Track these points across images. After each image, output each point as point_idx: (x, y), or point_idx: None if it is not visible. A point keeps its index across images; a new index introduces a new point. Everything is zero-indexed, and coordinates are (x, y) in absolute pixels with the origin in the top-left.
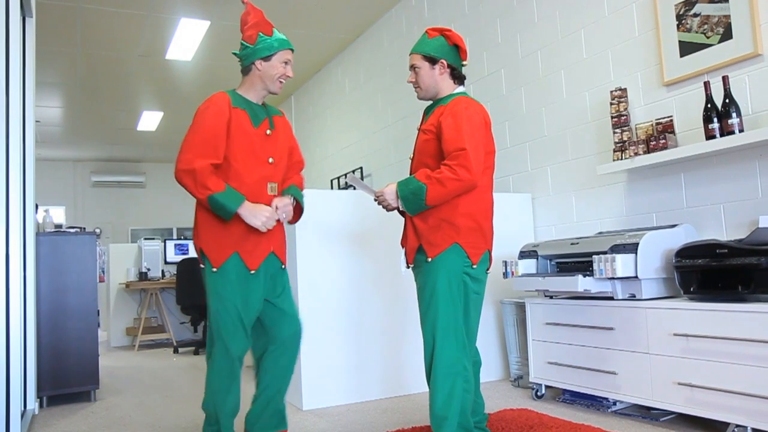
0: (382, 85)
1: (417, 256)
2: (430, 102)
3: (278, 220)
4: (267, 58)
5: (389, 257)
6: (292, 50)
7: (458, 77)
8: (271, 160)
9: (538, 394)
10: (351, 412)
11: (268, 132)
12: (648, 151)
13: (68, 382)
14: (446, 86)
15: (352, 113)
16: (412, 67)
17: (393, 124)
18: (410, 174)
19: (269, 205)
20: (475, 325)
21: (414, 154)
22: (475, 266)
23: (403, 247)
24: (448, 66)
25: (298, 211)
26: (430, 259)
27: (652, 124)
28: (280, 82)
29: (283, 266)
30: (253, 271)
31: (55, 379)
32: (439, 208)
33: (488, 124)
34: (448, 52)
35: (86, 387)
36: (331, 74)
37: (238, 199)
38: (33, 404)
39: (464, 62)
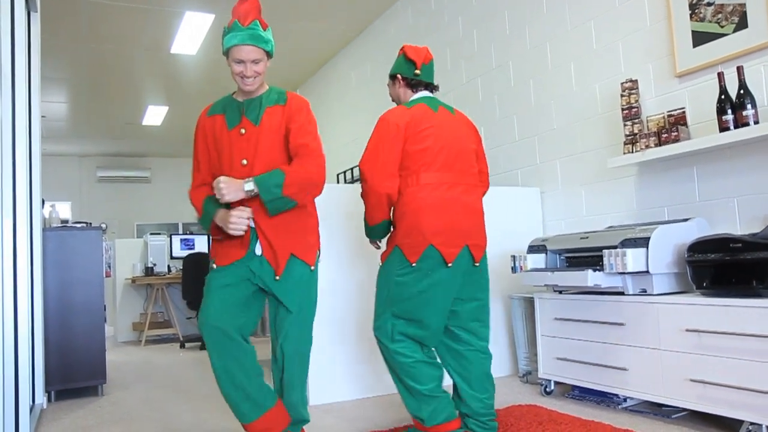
0: (387, 79)
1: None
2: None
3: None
4: (226, 56)
5: None
6: (253, 45)
7: (415, 85)
8: (244, 162)
9: (547, 390)
10: (358, 408)
11: (242, 132)
12: (659, 143)
13: (76, 376)
14: (406, 95)
15: (359, 107)
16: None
17: None
18: None
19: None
20: (438, 317)
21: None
22: (414, 264)
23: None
24: (403, 78)
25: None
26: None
27: (663, 117)
28: (244, 82)
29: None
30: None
31: (62, 373)
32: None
33: (415, 125)
34: (402, 66)
35: (93, 382)
36: (338, 67)
37: (207, 215)
38: (41, 398)
39: (417, 72)
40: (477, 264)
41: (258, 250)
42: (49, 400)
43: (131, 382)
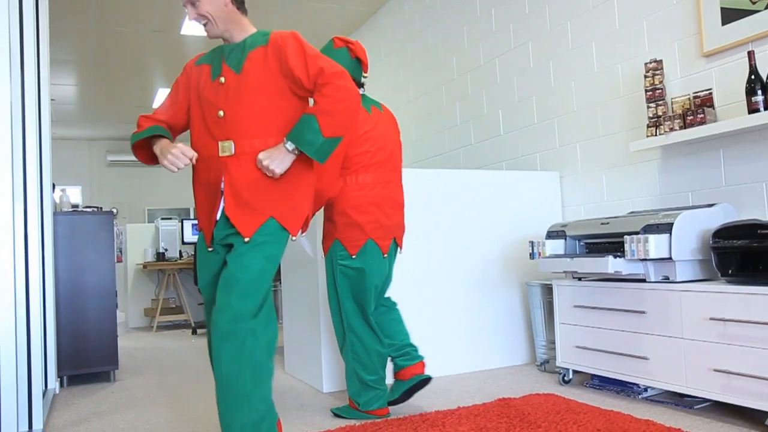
0: (403, 59)
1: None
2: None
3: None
4: None
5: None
6: None
7: (359, 86)
8: (220, 113)
9: (566, 379)
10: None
11: (222, 81)
12: (684, 126)
13: (88, 362)
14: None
15: (373, 89)
16: None
17: (415, 100)
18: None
19: (221, 175)
20: (367, 298)
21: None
22: (354, 256)
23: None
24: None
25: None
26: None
27: (689, 98)
28: (205, 29)
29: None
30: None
31: (74, 359)
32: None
33: (355, 130)
34: (352, 67)
35: (106, 367)
36: None
37: (147, 132)
38: (54, 384)
39: (365, 75)
40: (401, 250)
41: (220, 209)
42: (61, 385)
43: (143, 368)
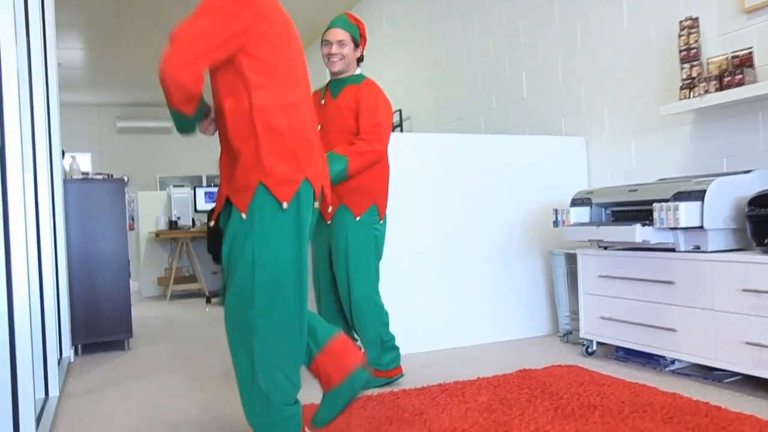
0: (420, 21)
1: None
2: (335, 78)
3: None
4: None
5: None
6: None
7: (360, 61)
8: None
9: (589, 350)
10: None
11: (322, 102)
12: (721, 88)
13: (102, 330)
14: (354, 67)
15: (389, 52)
16: (340, 42)
17: (432, 64)
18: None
19: None
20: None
21: (326, 125)
22: (382, 221)
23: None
24: (358, 51)
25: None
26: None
27: (727, 58)
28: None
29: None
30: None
31: (88, 327)
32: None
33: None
34: (360, 40)
35: (120, 336)
36: (367, 9)
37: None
38: (68, 352)
39: (363, 52)
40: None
41: None
42: (76, 353)
43: (157, 337)
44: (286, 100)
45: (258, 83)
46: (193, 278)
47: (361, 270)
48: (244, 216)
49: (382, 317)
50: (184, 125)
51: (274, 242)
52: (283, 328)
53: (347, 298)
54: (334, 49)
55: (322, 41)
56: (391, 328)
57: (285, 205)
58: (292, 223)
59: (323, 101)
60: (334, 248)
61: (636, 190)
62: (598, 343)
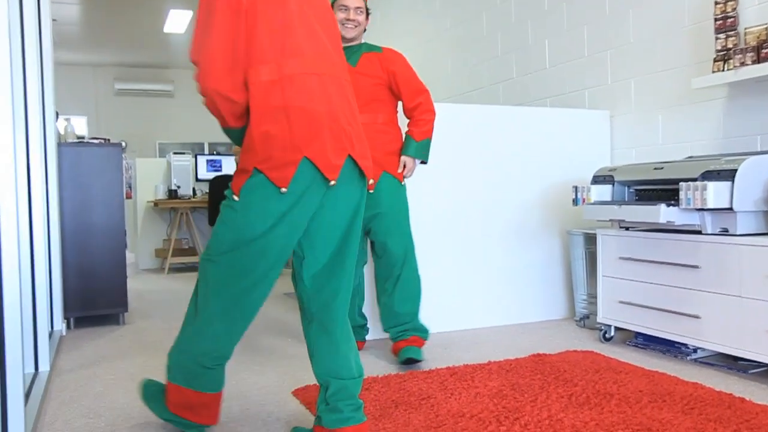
0: None
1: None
2: (346, 45)
3: None
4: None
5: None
6: None
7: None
8: None
9: (607, 336)
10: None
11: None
12: (758, 60)
13: (96, 304)
14: (362, 36)
15: (407, 17)
16: (357, 9)
17: (452, 29)
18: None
19: None
20: None
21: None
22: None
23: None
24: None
25: None
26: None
27: (766, 28)
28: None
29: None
30: None
31: (82, 300)
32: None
33: None
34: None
35: (115, 310)
36: None
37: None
38: (60, 325)
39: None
40: None
41: None
42: (68, 327)
43: (154, 312)
44: (283, 73)
45: (254, 59)
46: (192, 251)
47: (411, 237)
48: (236, 198)
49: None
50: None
51: (259, 222)
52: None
53: (395, 270)
54: (352, 15)
55: (336, 5)
56: None
57: (283, 190)
58: (287, 208)
59: None
60: (382, 218)
61: (662, 168)
62: (617, 329)
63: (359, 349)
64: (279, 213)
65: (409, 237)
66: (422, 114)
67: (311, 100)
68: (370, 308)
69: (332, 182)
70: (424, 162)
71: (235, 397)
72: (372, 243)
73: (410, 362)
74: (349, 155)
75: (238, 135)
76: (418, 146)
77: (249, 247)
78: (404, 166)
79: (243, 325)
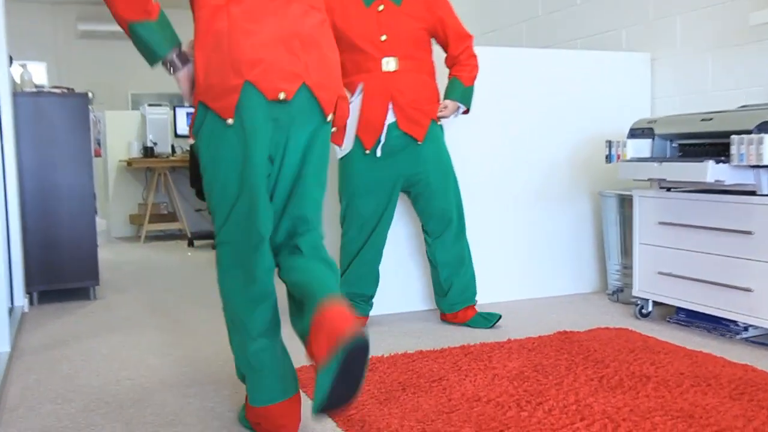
0: None
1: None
2: None
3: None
4: None
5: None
6: None
7: None
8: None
9: (643, 311)
10: (401, 321)
11: (380, 8)
12: None
13: (62, 276)
14: None
15: None
16: None
17: None
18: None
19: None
20: None
21: (392, 35)
22: None
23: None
24: None
25: None
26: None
27: None
28: None
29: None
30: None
31: (46, 272)
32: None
33: None
34: None
35: (84, 283)
36: None
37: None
38: (22, 301)
39: None
40: None
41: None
42: (31, 302)
43: (129, 285)
44: None
45: None
46: (172, 216)
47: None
48: (191, 140)
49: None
50: (152, 45)
51: (222, 162)
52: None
53: (447, 231)
54: None
55: None
56: (412, 281)
57: (230, 121)
58: (238, 138)
59: (382, 7)
60: (435, 172)
61: (711, 119)
62: (655, 303)
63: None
64: (237, 151)
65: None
66: (468, 59)
67: (258, 22)
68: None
69: (281, 104)
70: (466, 111)
71: (217, 380)
72: (416, 204)
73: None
74: (304, 83)
75: (144, 39)
76: (465, 91)
77: (240, 201)
78: (444, 109)
79: (261, 294)
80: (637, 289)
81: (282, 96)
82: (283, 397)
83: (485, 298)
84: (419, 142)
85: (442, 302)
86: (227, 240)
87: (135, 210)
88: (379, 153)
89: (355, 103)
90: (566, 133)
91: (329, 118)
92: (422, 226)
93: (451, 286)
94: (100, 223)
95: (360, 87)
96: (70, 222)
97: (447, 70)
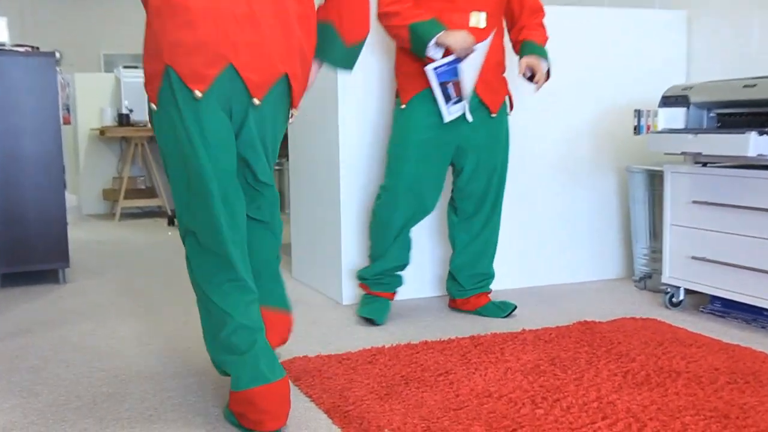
0: None
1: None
2: None
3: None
4: None
5: None
6: None
7: None
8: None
9: (674, 300)
10: (406, 309)
11: None
12: None
13: (27, 257)
14: None
15: None
16: None
17: None
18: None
19: None
20: None
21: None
22: None
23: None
24: None
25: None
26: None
27: None
28: None
29: None
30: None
31: (10, 253)
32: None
33: None
34: None
35: (52, 265)
36: None
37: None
38: None
39: None
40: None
41: None
42: None
43: (103, 268)
44: None
45: None
46: (150, 191)
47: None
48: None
49: None
50: None
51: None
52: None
53: (478, 215)
54: None
55: None
56: (416, 265)
57: (153, 106)
58: (168, 125)
59: None
60: (491, 151)
61: (754, 86)
62: (687, 291)
63: (389, 299)
64: (174, 134)
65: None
66: (538, 28)
67: None
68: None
69: (197, 93)
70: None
71: (199, 372)
72: (457, 178)
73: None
74: (231, 64)
75: None
76: (543, 50)
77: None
78: (531, 73)
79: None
80: (668, 276)
81: (198, 94)
82: (270, 377)
83: (497, 284)
84: (492, 115)
85: (453, 286)
86: (190, 230)
87: (109, 184)
88: (469, 117)
89: (479, 51)
90: (590, 101)
91: (256, 102)
92: (451, 201)
93: (466, 270)
94: (70, 198)
95: (491, 34)
96: (37, 198)
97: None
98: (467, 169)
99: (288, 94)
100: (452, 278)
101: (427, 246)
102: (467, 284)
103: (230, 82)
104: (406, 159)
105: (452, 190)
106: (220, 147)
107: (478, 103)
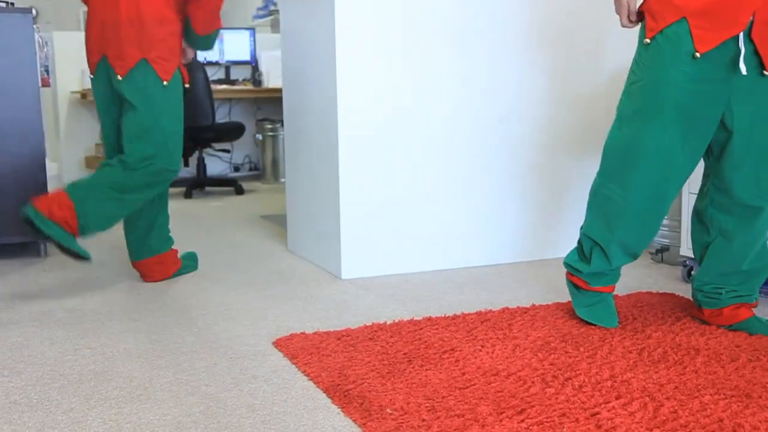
0: None
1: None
2: None
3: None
4: None
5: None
6: None
7: None
8: None
9: (692, 273)
10: (408, 284)
11: None
12: None
13: (6, 229)
14: None
15: None
16: None
17: None
18: None
19: None
20: None
21: None
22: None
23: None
24: None
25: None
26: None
27: None
28: None
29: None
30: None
31: None
32: None
33: None
34: None
35: (32, 237)
36: None
37: None
38: None
39: None
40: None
41: None
42: None
43: (87, 240)
44: None
45: None
46: None
47: None
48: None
49: None
50: None
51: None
52: None
53: (755, 221)
54: None
55: None
56: (422, 236)
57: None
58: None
59: None
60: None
61: None
62: None
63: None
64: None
65: None
66: None
67: (96, 7)
68: None
69: (91, 76)
70: None
71: (199, 349)
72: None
73: None
74: (104, 55)
75: None
76: None
77: None
78: None
79: None
80: (686, 248)
81: (89, 75)
82: None
83: (504, 257)
84: (766, 72)
85: (701, 289)
86: None
87: (92, 152)
88: (743, 69)
89: None
90: (594, 58)
91: (120, 78)
92: (707, 189)
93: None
94: (51, 167)
95: None
96: (14, 165)
97: None
98: (725, 147)
99: None
100: (702, 280)
101: (424, 213)
102: (725, 288)
103: (104, 68)
104: (653, 118)
105: (713, 180)
106: None
107: (752, 54)
